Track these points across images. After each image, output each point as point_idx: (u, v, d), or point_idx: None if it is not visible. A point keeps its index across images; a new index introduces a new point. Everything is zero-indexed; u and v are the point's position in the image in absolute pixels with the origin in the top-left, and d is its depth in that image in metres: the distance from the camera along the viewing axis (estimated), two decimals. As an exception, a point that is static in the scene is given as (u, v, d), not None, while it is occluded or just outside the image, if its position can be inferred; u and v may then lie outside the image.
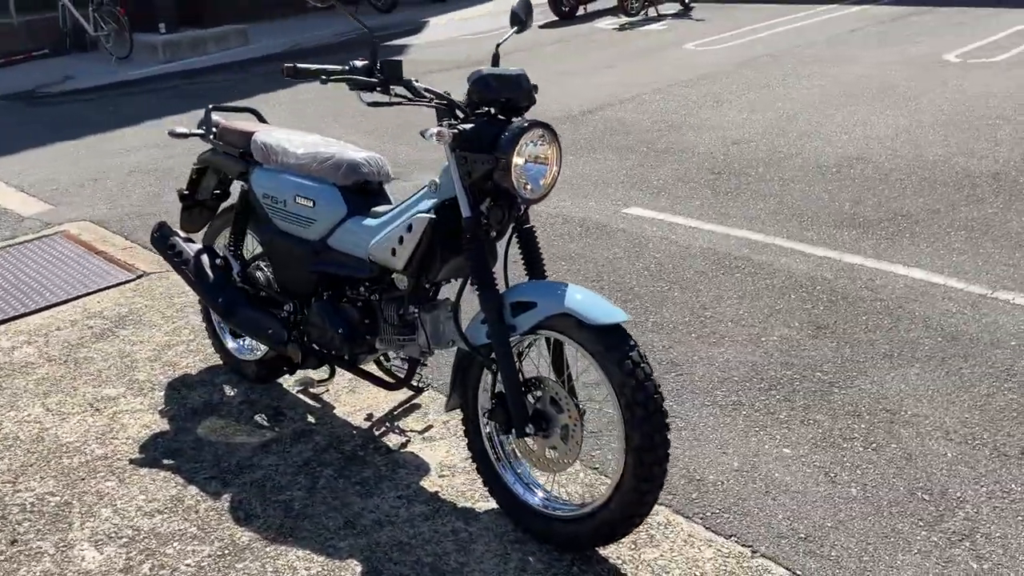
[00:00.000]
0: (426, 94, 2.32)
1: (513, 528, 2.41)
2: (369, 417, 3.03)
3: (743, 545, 2.32)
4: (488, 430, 2.44)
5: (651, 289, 3.93)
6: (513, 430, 2.28)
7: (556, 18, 13.12)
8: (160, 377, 3.37)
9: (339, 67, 2.35)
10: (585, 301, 2.13)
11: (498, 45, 2.39)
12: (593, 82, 8.37)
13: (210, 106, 3.16)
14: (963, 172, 5.17)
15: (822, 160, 5.58)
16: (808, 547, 2.30)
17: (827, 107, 6.87)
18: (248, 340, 3.30)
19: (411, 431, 2.92)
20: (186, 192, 3.32)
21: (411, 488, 2.63)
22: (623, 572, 2.23)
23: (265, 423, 3.04)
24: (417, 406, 3.07)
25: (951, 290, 3.74)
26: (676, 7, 13.07)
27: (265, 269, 3.03)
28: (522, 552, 2.32)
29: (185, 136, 3.16)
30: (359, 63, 2.33)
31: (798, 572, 2.21)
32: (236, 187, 3.14)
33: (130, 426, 3.05)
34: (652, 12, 12.95)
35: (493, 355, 2.29)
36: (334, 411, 3.09)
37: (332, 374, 3.02)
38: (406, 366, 2.76)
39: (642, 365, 2.06)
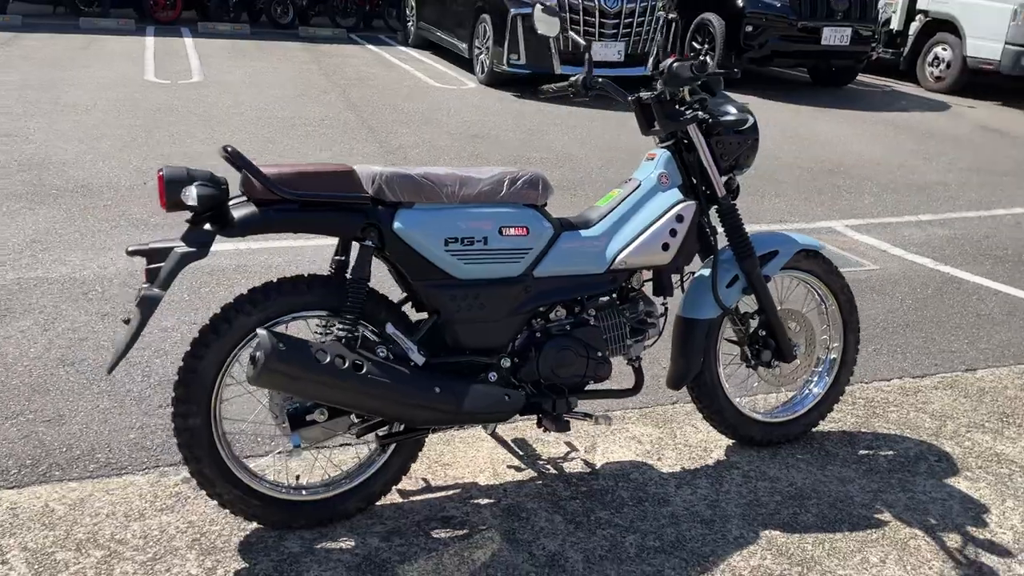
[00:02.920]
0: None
1: (805, 447, 2.91)
2: (517, 468, 2.71)
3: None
4: (725, 385, 2.79)
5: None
6: (776, 361, 2.80)
7: None
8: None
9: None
10: (801, 238, 2.82)
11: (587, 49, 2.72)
12: None
13: (229, 147, 2.08)
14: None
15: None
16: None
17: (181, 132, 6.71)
18: (319, 474, 2.40)
19: (574, 455, 2.79)
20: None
21: (702, 484, 2.71)
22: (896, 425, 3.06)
23: (488, 525, 2.38)
24: (519, 435, 2.85)
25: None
26: None
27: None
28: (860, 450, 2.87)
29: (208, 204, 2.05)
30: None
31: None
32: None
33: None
34: None
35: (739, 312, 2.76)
36: (491, 482, 2.60)
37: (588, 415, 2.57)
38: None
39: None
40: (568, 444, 2.88)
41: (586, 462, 2.78)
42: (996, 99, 11.21)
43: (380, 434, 2.35)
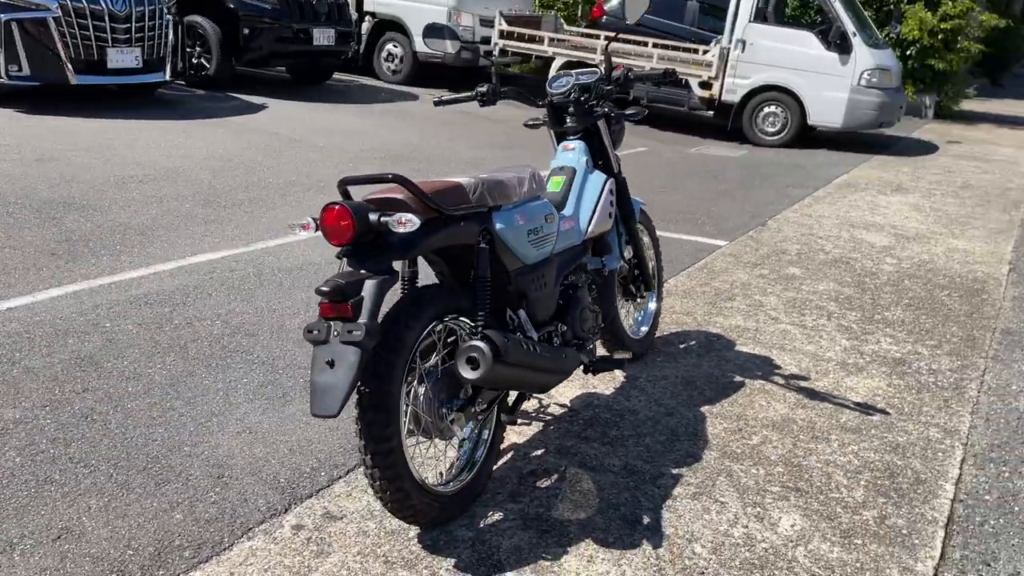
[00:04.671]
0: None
1: (656, 354, 3.73)
2: (526, 424, 3.12)
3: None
4: (623, 321, 3.58)
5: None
6: (650, 291, 3.67)
7: None
8: None
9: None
10: (638, 200, 3.73)
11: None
12: None
13: (391, 173, 2.18)
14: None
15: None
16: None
17: None
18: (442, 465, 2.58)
19: (547, 401, 3.28)
20: None
21: (637, 394, 3.41)
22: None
23: (564, 464, 2.78)
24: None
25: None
26: None
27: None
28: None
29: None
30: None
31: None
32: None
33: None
34: None
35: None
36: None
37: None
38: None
39: None
40: (535, 397, 3.37)
41: (560, 404, 3.33)
42: (443, 85, 13.35)
43: (509, 407, 2.61)
